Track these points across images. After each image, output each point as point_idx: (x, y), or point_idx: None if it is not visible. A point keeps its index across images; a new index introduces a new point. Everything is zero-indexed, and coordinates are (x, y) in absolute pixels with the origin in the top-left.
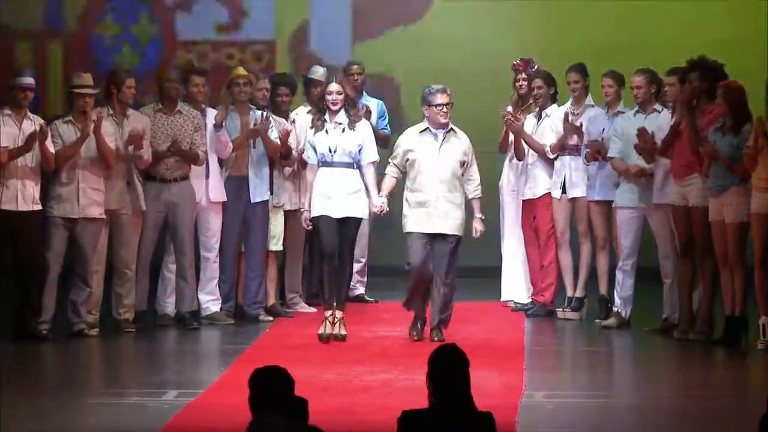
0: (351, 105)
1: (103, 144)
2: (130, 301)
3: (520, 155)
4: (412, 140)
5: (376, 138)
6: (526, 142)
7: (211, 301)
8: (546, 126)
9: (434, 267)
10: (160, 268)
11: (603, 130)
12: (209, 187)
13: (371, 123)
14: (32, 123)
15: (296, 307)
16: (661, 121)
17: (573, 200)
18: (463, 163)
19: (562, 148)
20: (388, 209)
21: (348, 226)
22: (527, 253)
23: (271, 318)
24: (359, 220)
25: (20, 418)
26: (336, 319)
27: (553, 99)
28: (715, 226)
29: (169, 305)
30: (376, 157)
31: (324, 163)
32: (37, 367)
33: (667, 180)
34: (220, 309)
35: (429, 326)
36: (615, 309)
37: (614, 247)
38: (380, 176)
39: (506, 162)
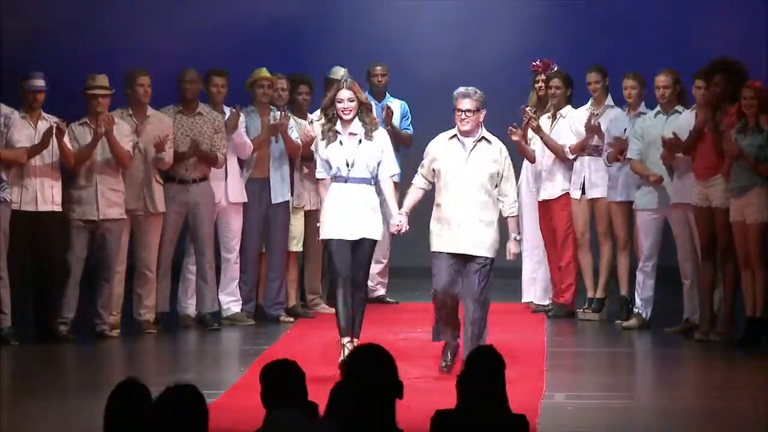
0: (366, 112)
1: (115, 145)
2: (151, 302)
3: (530, 158)
4: (439, 148)
5: (398, 138)
6: (544, 142)
7: (231, 302)
8: (561, 127)
9: (463, 291)
10: (181, 269)
11: (625, 131)
12: (228, 188)
13: (393, 123)
14: (47, 123)
15: (317, 308)
16: (681, 122)
17: (593, 201)
18: (495, 176)
19: (582, 149)
20: (407, 227)
21: (362, 247)
22: (547, 254)
23: (291, 319)
24: (374, 241)
25: (42, 419)
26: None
27: (569, 101)
28: (736, 226)
29: (189, 306)
30: (396, 170)
31: (338, 178)
32: (59, 368)
33: (686, 180)
34: (241, 310)
35: (459, 357)
36: (636, 310)
37: (635, 248)
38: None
39: (525, 163)
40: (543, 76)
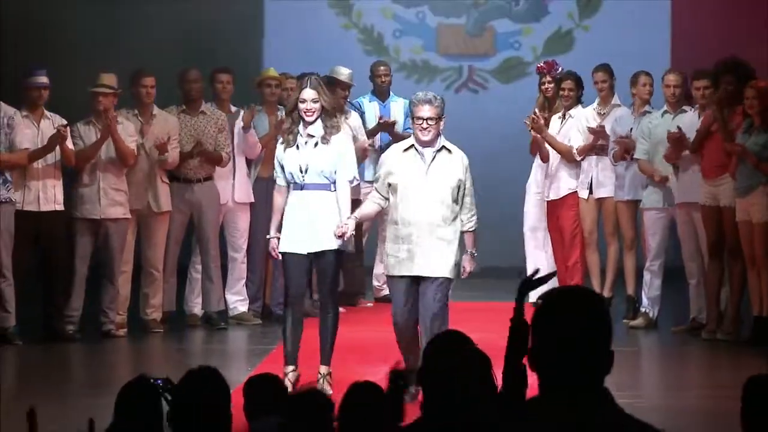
0: (329, 114)
1: (120, 144)
2: (157, 302)
3: (544, 157)
4: (394, 160)
5: (403, 138)
6: (549, 143)
7: (238, 301)
8: (570, 127)
9: (420, 314)
10: (188, 269)
11: (630, 130)
12: (235, 188)
13: (396, 126)
14: (51, 122)
15: None
16: (686, 120)
17: (600, 200)
18: (456, 189)
19: (589, 150)
20: (353, 233)
21: (323, 260)
22: (553, 254)
23: None
24: (338, 252)
25: (48, 419)
26: (321, 376)
27: (578, 100)
28: (742, 226)
29: (196, 305)
30: (353, 175)
31: (294, 185)
32: (66, 368)
33: (692, 180)
34: (248, 309)
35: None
36: (642, 309)
37: (642, 247)
38: None
39: (535, 163)
40: (549, 77)
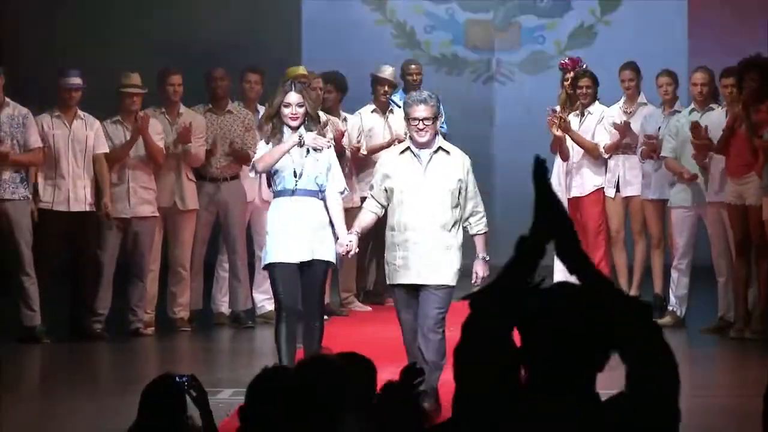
0: (313, 120)
1: (150, 143)
2: (184, 300)
3: (564, 156)
4: (390, 163)
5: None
6: (576, 141)
7: (265, 300)
8: (590, 124)
9: (419, 322)
10: (215, 267)
11: (659, 128)
12: (261, 186)
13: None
14: (83, 122)
15: (351, 306)
16: (713, 118)
17: (627, 199)
18: (456, 191)
19: (616, 148)
20: (357, 250)
21: (312, 270)
22: None
23: (325, 317)
24: (327, 263)
25: (76, 417)
26: None
27: (595, 97)
28: None
29: (223, 304)
30: (343, 186)
31: (284, 192)
32: (93, 366)
33: (723, 178)
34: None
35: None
36: (670, 308)
37: (669, 245)
38: None
39: (556, 162)
40: (571, 74)
